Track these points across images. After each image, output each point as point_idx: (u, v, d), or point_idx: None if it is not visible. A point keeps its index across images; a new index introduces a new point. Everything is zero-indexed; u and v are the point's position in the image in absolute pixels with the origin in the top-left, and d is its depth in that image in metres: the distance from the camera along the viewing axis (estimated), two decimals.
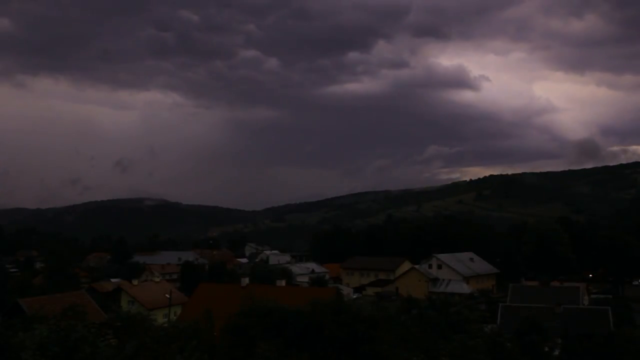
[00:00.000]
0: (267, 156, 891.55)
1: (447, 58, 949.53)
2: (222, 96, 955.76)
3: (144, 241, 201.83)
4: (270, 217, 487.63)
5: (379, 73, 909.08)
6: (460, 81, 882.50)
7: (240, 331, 23.24)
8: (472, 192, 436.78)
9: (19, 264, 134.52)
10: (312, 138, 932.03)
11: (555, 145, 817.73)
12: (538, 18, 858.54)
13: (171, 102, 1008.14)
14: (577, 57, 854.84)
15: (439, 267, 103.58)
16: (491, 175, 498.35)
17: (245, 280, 56.52)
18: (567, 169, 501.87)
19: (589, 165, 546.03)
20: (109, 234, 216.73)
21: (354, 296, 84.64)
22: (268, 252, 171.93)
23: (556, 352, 37.01)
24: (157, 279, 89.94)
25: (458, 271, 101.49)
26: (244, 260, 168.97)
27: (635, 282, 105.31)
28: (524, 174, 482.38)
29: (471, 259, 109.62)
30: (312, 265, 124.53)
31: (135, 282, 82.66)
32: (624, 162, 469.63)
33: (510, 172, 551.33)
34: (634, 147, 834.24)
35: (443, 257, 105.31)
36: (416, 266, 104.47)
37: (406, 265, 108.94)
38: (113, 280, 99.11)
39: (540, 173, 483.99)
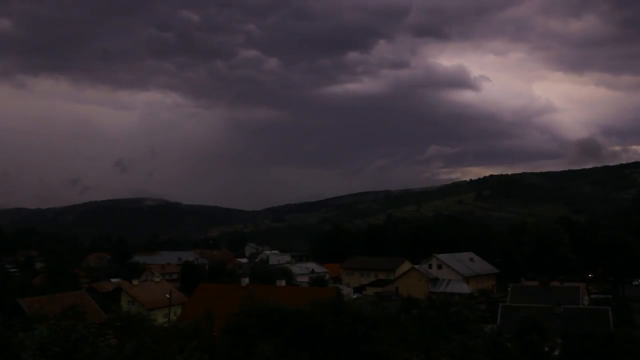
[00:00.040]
0: (267, 156, 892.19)
1: (447, 58, 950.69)
2: (222, 96, 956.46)
3: (144, 241, 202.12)
4: (270, 217, 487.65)
5: (379, 73, 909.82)
6: (461, 81, 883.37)
7: (240, 331, 23.24)
8: (472, 192, 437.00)
9: (19, 264, 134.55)
10: (312, 138, 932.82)
11: (555, 145, 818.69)
12: (537, 18, 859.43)
13: (171, 102, 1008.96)
14: (577, 57, 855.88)
15: (439, 267, 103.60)
16: (491, 175, 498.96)
17: (245, 280, 56.55)
18: (567, 169, 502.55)
19: (589, 165, 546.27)
20: (109, 234, 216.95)
21: (354, 296, 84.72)
22: (268, 252, 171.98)
23: (556, 352, 37.02)
24: (157, 279, 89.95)
25: (458, 271, 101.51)
26: (244, 260, 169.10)
27: (635, 282, 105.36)
28: (524, 173, 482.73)
29: (471, 259, 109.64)
30: (312, 265, 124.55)
31: (135, 282, 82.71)
32: (624, 162, 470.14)
33: (510, 172, 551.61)
34: (634, 147, 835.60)
35: (443, 257, 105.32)
36: (416, 266, 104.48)
37: (406, 265, 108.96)
38: (113, 280, 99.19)
39: (541, 173, 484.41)
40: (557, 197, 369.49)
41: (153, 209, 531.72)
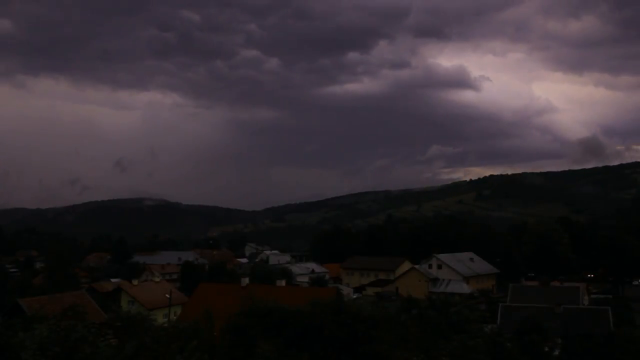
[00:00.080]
0: (268, 156, 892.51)
1: (447, 58, 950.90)
2: (222, 96, 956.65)
3: (144, 241, 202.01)
4: (270, 217, 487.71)
5: (380, 73, 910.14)
6: (461, 81, 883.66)
7: (240, 331, 23.24)
8: (472, 192, 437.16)
9: (19, 264, 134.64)
10: (313, 138, 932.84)
11: (555, 145, 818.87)
12: (537, 19, 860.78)
13: (171, 102, 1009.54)
14: (576, 57, 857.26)
15: (439, 267, 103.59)
16: (491, 175, 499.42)
17: (245, 280, 56.52)
18: (567, 169, 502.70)
19: (589, 165, 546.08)
20: (109, 234, 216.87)
21: (354, 296, 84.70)
22: (268, 252, 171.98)
23: (556, 352, 37.01)
24: (157, 279, 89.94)
25: (458, 271, 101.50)
26: (244, 260, 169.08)
27: (635, 282, 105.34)
28: (524, 173, 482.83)
29: (471, 259, 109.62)
30: (312, 265, 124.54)
31: (135, 282, 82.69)
32: (624, 162, 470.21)
33: (510, 172, 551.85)
34: (634, 147, 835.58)
35: (443, 257, 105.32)
36: (416, 266, 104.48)
37: (406, 265, 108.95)
38: (113, 280, 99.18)
39: (541, 173, 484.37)
40: (557, 197, 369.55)
41: (153, 209, 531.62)
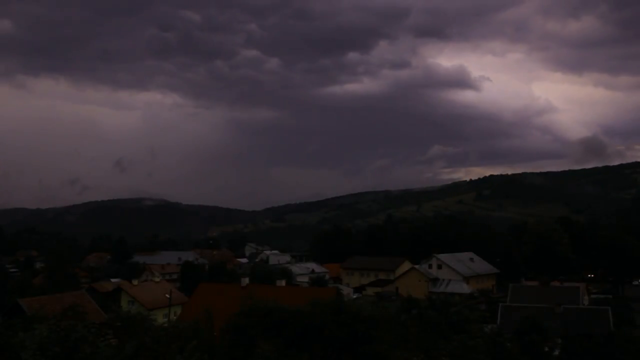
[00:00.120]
0: (268, 156, 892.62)
1: (447, 59, 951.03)
2: (222, 96, 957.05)
3: (144, 241, 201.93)
4: (270, 217, 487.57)
5: (380, 73, 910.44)
6: (461, 81, 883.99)
7: (240, 331, 23.24)
8: (472, 192, 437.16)
9: (19, 264, 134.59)
10: (313, 138, 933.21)
11: (555, 145, 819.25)
12: (536, 19, 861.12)
13: (171, 103, 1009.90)
14: (576, 58, 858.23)
15: (439, 267, 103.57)
16: (491, 175, 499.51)
17: (245, 280, 56.50)
18: (567, 169, 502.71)
19: (589, 165, 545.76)
20: (109, 234, 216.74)
21: (354, 296, 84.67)
22: (268, 252, 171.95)
23: (556, 352, 37.00)
24: (157, 279, 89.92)
25: (458, 271, 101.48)
26: (244, 260, 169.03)
27: (635, 282, 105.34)
28: (524, 173, 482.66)
29: (471, 259, 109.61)
30: (312, 265, 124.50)
31: (135, 282, 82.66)
32: (624, 162, 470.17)
33: (510, 172, 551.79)
34: (633, 147, 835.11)
35: (443, 257, 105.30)
36: (416, 266, 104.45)
37: (406, 265, 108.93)
38: (113, 280, 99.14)
39: (541, 173, 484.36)
40: (557, 197, 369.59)
41: (153, 209, 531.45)
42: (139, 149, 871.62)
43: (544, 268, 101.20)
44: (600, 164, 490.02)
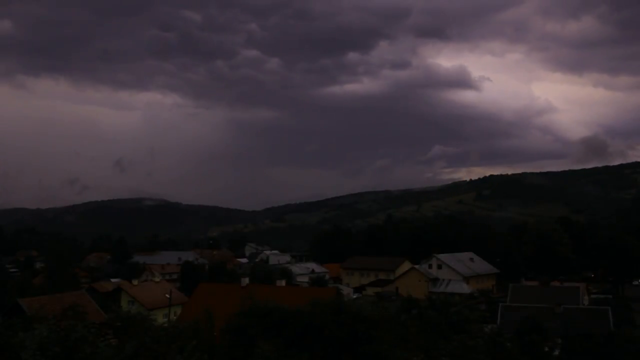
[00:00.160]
0: (268, 156, 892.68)
1: (447, 59, 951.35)
2: (222, 96, 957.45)
3: (144, 241, 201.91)
4: (270, 217, 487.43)
5: (380, 73, 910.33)
6: (462, 81, 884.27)
7: (240, 331, 23.24)
8: (472, 192, 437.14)
9: (19, 264, 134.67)
10: (313, 138, 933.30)
11: (555, 145, 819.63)
12: (536, 20, 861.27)
13: (171, 103, 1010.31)
14: (575, 58, 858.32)
15: (439, 267, 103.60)
16: (491, 175, 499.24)
17: (245, 280, 56.52)
18: (567, 168, 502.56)
19: (589, 165, 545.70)
20: (109, 234, 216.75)
21: (354, 296, 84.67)
22: (268, 252, 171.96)
23: (556, 352, 36.99)
24: (157, 279, 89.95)
25: (458, 271, 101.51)
26: (244, 260, 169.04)
27: (635, 282, 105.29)
28: (524, 173, 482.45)
29: (471, 259, 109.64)
30: (312, 265, 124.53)
31: (135, 282, 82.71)
32: (624, 162, 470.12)
33: (510, 172, 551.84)
34: (633, 148, 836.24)
35: (443, 257, 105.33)
36: (416, 266, 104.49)
37: (406, 265, 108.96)
38: (113, 280, 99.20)
39: (541, 173, 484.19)
40: (557, 197, 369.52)
41: (153, 209, 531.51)
42: (139, 149, 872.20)
43: (544, 268, 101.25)
44: (600, 164, 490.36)
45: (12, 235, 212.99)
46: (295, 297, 34.28)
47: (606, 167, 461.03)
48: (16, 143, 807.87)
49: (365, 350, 21.68)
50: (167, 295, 69.21)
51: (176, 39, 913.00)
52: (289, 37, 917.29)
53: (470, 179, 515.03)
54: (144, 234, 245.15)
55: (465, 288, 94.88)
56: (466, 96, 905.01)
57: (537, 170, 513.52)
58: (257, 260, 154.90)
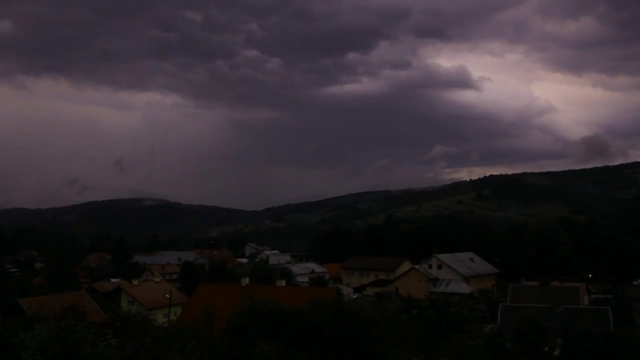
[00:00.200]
0: (268, 156, 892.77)
1: (448, 59, 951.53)
2: (222, 96, 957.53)
3: (144, 241, 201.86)
4: (270, 217, 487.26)
5: (381, 74, 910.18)
6: (462, 82, 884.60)
7: (240, 331, 23.24)
8: (472, 192, 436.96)
9: (19, 264, 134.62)
10: (313, 138, 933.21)
11: (555, 145, 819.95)
12: (535, 20, 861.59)
13: (171, 103, 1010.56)
14: (574, 58, 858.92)
15: (439, 267, 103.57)
16: (491, 175, 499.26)
17: (245, 280, 56.53)
18: (567, 168, 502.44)
19: (589, 165, 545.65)
20: (109, 234, 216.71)
21: (354, 296, 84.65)
22: (268, 252, 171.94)
23: (556, 352, 36.99)
24: (157, 279, 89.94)
25: (458, 271, 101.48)
26: (244, 260, 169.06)
27: (635, 282, 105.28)
28: (524, 173, 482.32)
29: (471, 259, 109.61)
30: (312, 265, 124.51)
31: (135, 282, 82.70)
32: (624, 162, 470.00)
33: (510, 172, 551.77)
34: (633, 147, 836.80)
35: (443, 257, 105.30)
36: (416, 266, 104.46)
37: (406, 265, 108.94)
38: (113, 280, 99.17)
39: (541, 173, 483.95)
40: (557, 197, 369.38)
41: (153, 209, 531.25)
42: (139, 149, 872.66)
43: (544, 268, 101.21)
44: (600, 164, 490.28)
45: (12, 235, 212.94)
46: (295, 297, 34.28)
47: (606, 167, 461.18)
48: (16, 143, 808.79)
49: (365, 350, 21.69)
50: (167, 295, 69.20)
51: (176, 39, 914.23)
52: (289, 37, 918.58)
53: (470, 179, 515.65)
54: (144, 234, 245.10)
55: (465, 288, 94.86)
56: (466, 96, 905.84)
57: (537, 170, 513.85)
58: (257, 260, 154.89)
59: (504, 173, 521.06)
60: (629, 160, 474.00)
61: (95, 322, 22.35)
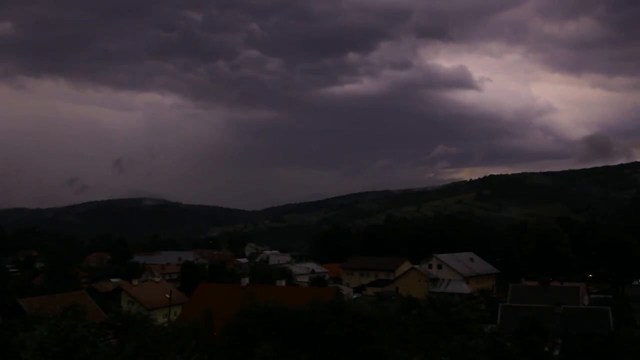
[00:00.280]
0: (268, 156, 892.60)
1: (448, 59, 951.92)
2: (222, 97, 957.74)
3: (144, 241, 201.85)
4: (270, 217, 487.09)
5: (381, 74, 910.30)
6: (463, 82, 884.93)
7: (240, 331, 23.24)
8: (472, 192, 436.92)
9: (19, 264, 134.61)
10: (313, 138, 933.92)
11: (555, 145, 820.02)
12: (534, 21, 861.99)
13: (172, 103, 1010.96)
14: (574, 59, 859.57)
15: (439, 267, 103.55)
16: (491, 175, 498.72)
17: (245, 280, 56.53)
18: (567, 168, 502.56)
19: (589, 165, 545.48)
20: (109, 234, 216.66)
21: (354, 296, 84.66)
22: (268, 252, 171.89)
23: (556, 352, 37.01)
24: (157, 279, 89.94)
25: (458, 271, 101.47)
26: (244, 260, 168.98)
27: (635, 282, 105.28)
28: (524, 173, 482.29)
29: (471, 259, 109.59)
30: (312, 265, 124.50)
31: (135, 282, 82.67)
32: (624, 162, 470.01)
33: (510, 172, 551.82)
34: (633, 148, 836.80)
35: (443, 257, 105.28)
36: (416, 266, 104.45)
37: (406, 265, 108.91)
38: (113, 280, 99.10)
39: (541, 173, 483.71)
40: (557, 197, 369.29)
41: (153, 209, 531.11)
42: (139, 149, 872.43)
43: (544, 268, 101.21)
44: (600, 164, 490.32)
45: (12, 235, 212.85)
46: (295, 297, 34.25)
47: (606, 167, 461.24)
48: (16, 143, 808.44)
49: (365, 350, 21.69)
50: (167, 295, 69.20)
51: (176, 39, 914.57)
52: (289, 37, 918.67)
53: (471, 179, 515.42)
54: (144, 234, 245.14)
55: (465, 288, 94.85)
56: (467, 96, 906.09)
57: (537, 170, 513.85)
58: (257, 260, 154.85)
59: (504, 173, 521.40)
60: (629, 160, 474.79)
61: (95, 322, 22.35)
